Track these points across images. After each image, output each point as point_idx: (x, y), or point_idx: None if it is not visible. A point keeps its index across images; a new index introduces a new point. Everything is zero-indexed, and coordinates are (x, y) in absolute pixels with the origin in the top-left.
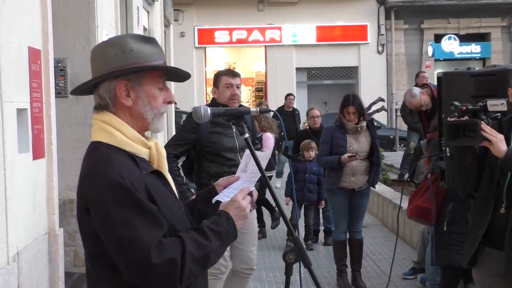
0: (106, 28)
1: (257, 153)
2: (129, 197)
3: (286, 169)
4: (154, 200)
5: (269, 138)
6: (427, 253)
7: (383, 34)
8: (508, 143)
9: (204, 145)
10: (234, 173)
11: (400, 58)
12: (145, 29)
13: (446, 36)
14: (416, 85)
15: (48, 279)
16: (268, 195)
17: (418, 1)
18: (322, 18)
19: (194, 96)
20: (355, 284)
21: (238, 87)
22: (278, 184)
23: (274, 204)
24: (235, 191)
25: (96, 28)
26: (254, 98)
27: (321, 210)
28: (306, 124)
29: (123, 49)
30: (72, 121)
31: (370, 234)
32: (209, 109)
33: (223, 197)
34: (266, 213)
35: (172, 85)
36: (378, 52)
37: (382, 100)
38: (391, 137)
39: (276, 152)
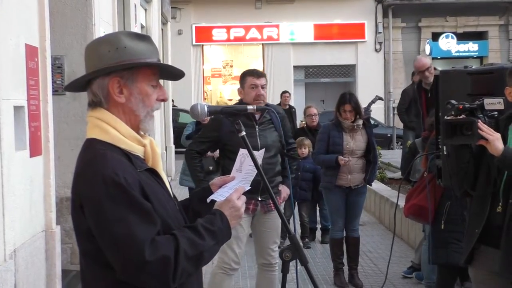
0: (103, 25)
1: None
2: (123, 194)
3: None
4: (148, 198)
5: None
6: (423, 252)
7: (380, 32)
8: (504, 142)
9: (225, 144)
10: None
11: (397, 57)
12: (142, 26)
13: (444, 35)
14: (413, 83)
15: (45, 276)
16: None
17: None
18: (319, 16)
19: (191, 94)
20: (352, 282)
21: (263, 88)
22: None
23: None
24: (230, 191)
25: (93, 25)
26: None
27: (318, 208)
28: (303, 122)
29: (117, 46)
30: (69, 119)
31: (367, 232)
32: (206, 107)
33: (218, 196)
34: None
35: (169, 83)
36: (376, 50)
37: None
38: (389, 135)
39: None
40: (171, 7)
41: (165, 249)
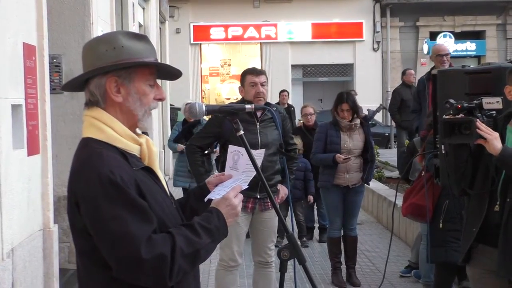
0: (101, 24)
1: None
2: (119, 193)
3: None
4: (144, 196)
5: None
6: (421, 251)
7: (378, 32)
8: (503, 141)
9: (227, 140)
10: None
11: (395, 56)
12: (140, 25)
13: (442, 34)
14: (403, 83)
15: (43, 275)
16: None
17: None
18: (317, 15)
19: (189, 92)
20: (350, 281)
21: (263, 85)
22: None
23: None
24: (227, 189)
25: (91, 24)
26: None
27: (315, 207)
28: (301, 121)
29: (114, 45)
30: (67, 117)
31: (365, 231)
32: (204, 106)
33: (215, 194)
34: None
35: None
36: (374, 49)
37: (384, 108)
38: (386, 134)
39: None
40: (169, 6)
41: (162, 247)
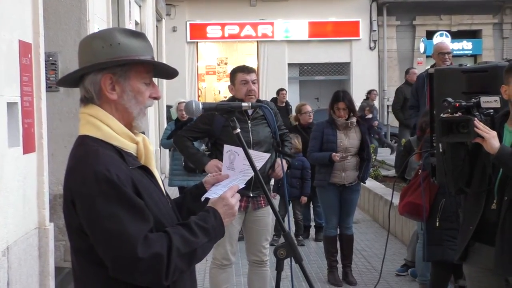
0: (98, 22)
1: (251, 152)
2: (116, 191)
3: None
4: (140, 195)
5: None
6: (417, 249)
7: (375, 30)
8: (500, 140)
9: (217, 138)
10: None
11: (392, 55)
12: (137, 23)
13: (438, 33)
14: (406, 82)
15: (38, 273)
16: None
17: None
18: (314, 14)
19: (186, 91)
20: (346, 280)
21: (254, 83)
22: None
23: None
24: (224, 189)
25: (87, 22)
26: None
27: (311, 206)
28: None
29: (111, 42)
30: (63, 115)
31: (361, 230)
32: (200, 104)
33: (212, 194)
34: None
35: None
36: (370, 48)
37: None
38: (383, 133)
39: None
40: (166, 4)
41: (158, 246)
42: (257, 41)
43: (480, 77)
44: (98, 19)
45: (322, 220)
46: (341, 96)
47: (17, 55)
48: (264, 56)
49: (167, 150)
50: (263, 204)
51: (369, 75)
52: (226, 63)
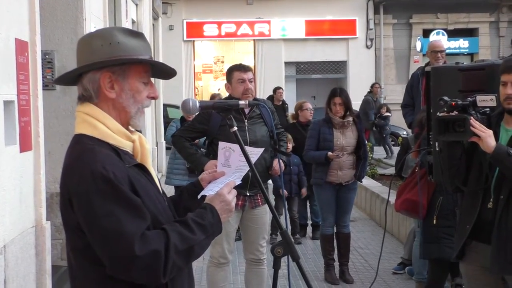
0: (94, 20)
1: (247, 148)
2: (112, 189)
3: None
4: (137, 193)
5: None
6: (414, 247)
7: (372, 29)
8: (496, 139)
9: (214, 137)
10: None
11: (388, 53)
12: (133, 22)
13: (435, 31)
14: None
15: (35, 272)
16: None
17: None
18: (311, 12)
19: (182, 89)
20: (343, 278)
21: (250, 81)
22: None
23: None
24: (221, 185)
25: (84, 20)
26: None
27: (308, 204)
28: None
29: (110, 41)
30: (59, 114)
31: (358, 228)
32: (197, 102)
33: (209, 191)
34: None
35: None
36: (367, 46)
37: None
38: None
39: None
40: (162, 3)
41: (155, 243)
42: (254, 40)
43: (476, 76)
44: (94, 18)
45: (319, 219)
46: (338, 92)
47: (13, 54)
48: (261, 55)
49: (164, 149)
50: (260, 203)
51: (366, 73)
52: (222, 62)
